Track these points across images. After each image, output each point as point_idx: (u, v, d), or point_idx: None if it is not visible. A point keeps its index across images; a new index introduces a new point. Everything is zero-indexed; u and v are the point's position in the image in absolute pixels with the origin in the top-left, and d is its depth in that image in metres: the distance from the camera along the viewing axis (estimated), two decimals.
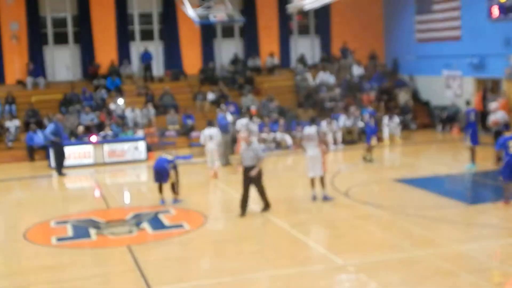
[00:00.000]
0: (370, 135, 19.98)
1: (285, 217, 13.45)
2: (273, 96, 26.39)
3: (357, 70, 29.15)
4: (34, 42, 27.16)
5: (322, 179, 14.56)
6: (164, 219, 13.70)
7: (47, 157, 21.39)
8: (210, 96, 26.45)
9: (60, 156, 20.00)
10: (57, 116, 21.47)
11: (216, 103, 25.65)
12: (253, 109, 25.21)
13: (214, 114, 22.70)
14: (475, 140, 17.77)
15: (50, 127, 20.18)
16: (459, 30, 25.71)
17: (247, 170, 13.46)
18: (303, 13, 29.41)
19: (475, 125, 18.02)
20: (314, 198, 14.54)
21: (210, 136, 18.30)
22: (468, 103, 19.23)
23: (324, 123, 23.47)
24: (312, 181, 14.63)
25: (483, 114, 24.05)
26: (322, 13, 29.52)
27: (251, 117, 21.56)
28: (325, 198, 14.51)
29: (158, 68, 28.94)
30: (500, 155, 13.57)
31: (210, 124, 18.80)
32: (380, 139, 23.93)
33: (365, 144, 20.17)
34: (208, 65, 28.53)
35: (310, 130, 14.60)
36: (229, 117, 21.20)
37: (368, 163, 19.55)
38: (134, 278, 10.01)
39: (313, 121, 15.09)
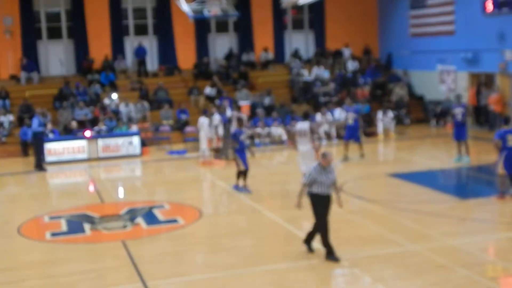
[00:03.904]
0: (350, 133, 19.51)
1: (279, 212, 13.47)
2: (270, 90, 26.36)
3: (351, 65, 29.18)
4: (28, 37, 27.08)
5: None
6: (159, 214, 13.70)
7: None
8: (208, 90, 26.39)
9: (40, 151, 20.03)
10: (38, 110, 21.55)
11: (212, 98, 25.61)
12: (246, 104, 25.20)
13: (208, 108, 22.67)
14: (456, 135, 17.86)
15: (35, 121, 20.14)
16: (453, 24, 25.74)
17: (325, 199, 10.21)
18: (298, 8, 29.43)
19: (455, 120, 18.00)
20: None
21: (202, 124, 19.86)
22: (458, 98, 19.06)
23: (318, 116, 23.52)
24: None
25: (477, 109, 24.17)
26: (317, 7, 29.54)
27: (239, 109, 21.63)
28: None
29: (152, 63, 28.90)
30: (498, 146, 13.57)
31: (204, 113, 20.37)
32: (374, 134, 24.07)
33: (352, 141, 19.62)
34: (202, 60, 28.49)
35: (303, 125, 14.57)
36: (228, 113, 21.27)
37: (360, 159, 19.41)
38: (128, 273, 10.01)
39: (306, 116, 15.06)
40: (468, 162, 17.82)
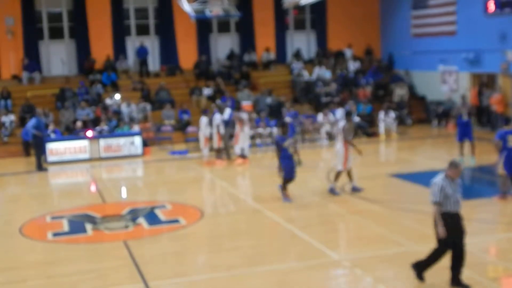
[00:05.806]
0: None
1: (280, 212, 13.46)
2: (270, 90, 26.34)
3: (353, 65, 29.19)
4: (30, 37, 27.12)
5: (337, 173, 14.77)
6: (160, 214, 13.71)
7: (43, 152, 21.36)
8: (206, 91, 26.42)
9: (40, 151, 20.06)
10: (38, 111, 21.59)
11: (212, 98, 25.63)
12: (248, 104, 25.19)
13: (209, 108, 22.68)
14: (460, 136, 17.94)
15: (32, 122, 20.20)
16: (455, 25, 25.74)
17: (455, 217, 8.67)
18: (299, 8, 29.43)
19: (460, 121, 18.07)
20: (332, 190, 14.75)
21: (204, 124, 19.94)
22: (463, 98, 19.13)
23: (320, 116, 23.51)
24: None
25: (479, 109, 24.14)
26: (318, 8, 29.54)
27: (239, 109, 21.52)
28: (331, 191, 14.68)
29: (154, 63, 28.93)
30: (498, 146, 13.57)
31: (204, 112, 20.43)
32: (375, 134, 24.09)
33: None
34: (201, 58, 28.45)
35: (341, 123, 14.82)
36: (226, 113, 21.24)
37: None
38: (130, 273, 10.02)
39: (347, 114, 15.10)
40: (474, 163, 17.81)
